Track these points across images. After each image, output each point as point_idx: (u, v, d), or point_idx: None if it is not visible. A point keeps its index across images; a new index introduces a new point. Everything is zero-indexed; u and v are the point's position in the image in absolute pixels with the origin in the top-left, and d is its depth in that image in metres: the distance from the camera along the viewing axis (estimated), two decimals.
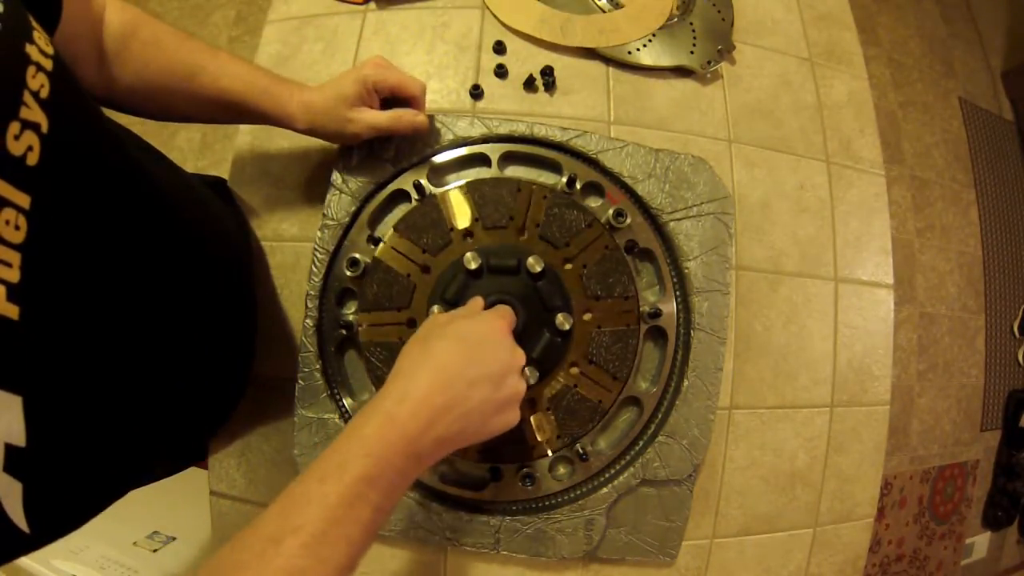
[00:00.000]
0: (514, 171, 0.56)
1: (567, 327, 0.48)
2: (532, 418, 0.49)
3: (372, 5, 0.62)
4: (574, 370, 0.50)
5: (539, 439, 0.49)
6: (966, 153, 1.73)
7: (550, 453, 0.50)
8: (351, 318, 0.51)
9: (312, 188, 0.57)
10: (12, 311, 0.23)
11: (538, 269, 0.48)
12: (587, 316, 0.50)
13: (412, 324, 0.49)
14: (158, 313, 0.36)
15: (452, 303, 0.48)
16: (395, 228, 0.51)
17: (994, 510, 1.63)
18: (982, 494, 1.64)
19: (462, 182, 0.52)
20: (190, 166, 0.51)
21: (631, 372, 0.51)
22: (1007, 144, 1.82)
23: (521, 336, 0.45)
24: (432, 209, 0.51)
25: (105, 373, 0.31)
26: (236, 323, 0.51)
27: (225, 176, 0.59)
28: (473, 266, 0.48)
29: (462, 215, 0.51)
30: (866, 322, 0.62)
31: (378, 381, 0.50)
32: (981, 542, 1.64)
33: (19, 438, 0.24)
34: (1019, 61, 1.87)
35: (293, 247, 0.57)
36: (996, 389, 1.65)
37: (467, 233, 0.50)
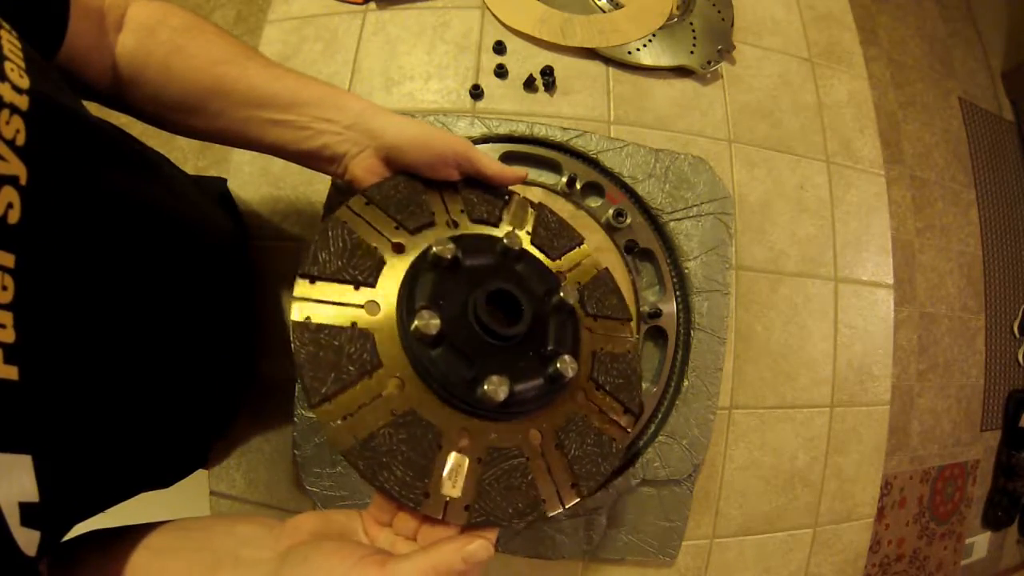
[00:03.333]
0: None
1: (569, 375, 0.34)
2: (452, 456, 0.30)
3: (372, 5, 0.62)
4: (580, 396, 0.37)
5: (443, 491, 0.30)
6: (966, 153, 1.73)
7: (447, 517, 0.29)
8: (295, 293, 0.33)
9: (312, 188, 0.57)
10: (11, 372, 0.23)
11: (569, 300, 0.37)
12: (587, 338, 0.40)
13: (374, 308, 0.33)
14: (158, 334, 0.35)
15: (468, 253, 0.36)
16: (363, 192, 0.37)
17: (994, 510, 1.63)
18: (982, 494, 1.65)
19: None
20: (190, 166, 0.51)
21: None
22: (1007, 144, 1.82)
23: (512, 347, 0.34)
24: (417, 192, 0.39)
25: (111, 410, 0.31)
26: (236, 327, 0.51)
27: (225, 176, 0.59)
28: (511, 246, 0.37)
29: (449, 206, 0.40)
30: (866, 322, 0.62)
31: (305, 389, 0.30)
32: (981, 542, 1.65)
33: (32, 495, 0.24)
34: (1019, 61, 1.87)
35: (293, 247, 0.57)
36: (996, 389, 1.66)
37: (453, 221, 0.39)
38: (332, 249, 0.34)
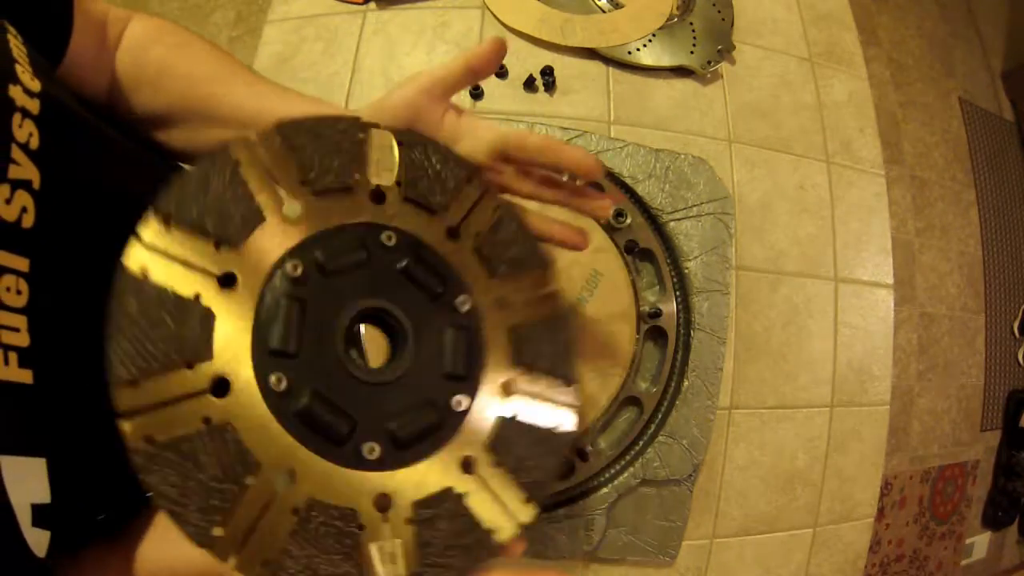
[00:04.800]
0: None
1: (461, 408, 0.28)
2: (373, 547, 0.25)
3: (372, 5, 0.62)
4: (463, 473, 0.27)
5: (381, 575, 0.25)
6: (966, 153, 1.73)
7: None
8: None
9: None
10: (26, 376, 0.23)
11: (466, 308, 0.29)
12: (502, 393, 0.29)
13: (228, 281, 0.24)
14: None
15: (326, 272, 0.27)
16: (279, 128, 0.28)
17: (994, 510, 1.63)
18: (982, 494, 1.65)
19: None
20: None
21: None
22: (1007, 144, 1.82)
23: (389, 388, 0.27)
24: (346, 135, 0.29)
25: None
26: None
27: None
28: (389, 243, 0.28)
29: (383, 166, 0.30)
30: (866, 322, 0.62)
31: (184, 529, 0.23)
32: (981, 542, 1.65)
33: (44, 496, 0.24)
34: (1019, 61, 1.87)
35: None
36: (996, 389, 1.66)
37: (379, 193, 0.29)
38: (202, 190, 0.25)
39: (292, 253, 0.26)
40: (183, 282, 0.24)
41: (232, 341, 0.24)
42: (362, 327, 0.28)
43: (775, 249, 0.60)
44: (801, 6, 0.70)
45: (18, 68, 0.25)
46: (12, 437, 0.22)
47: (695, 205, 0.56)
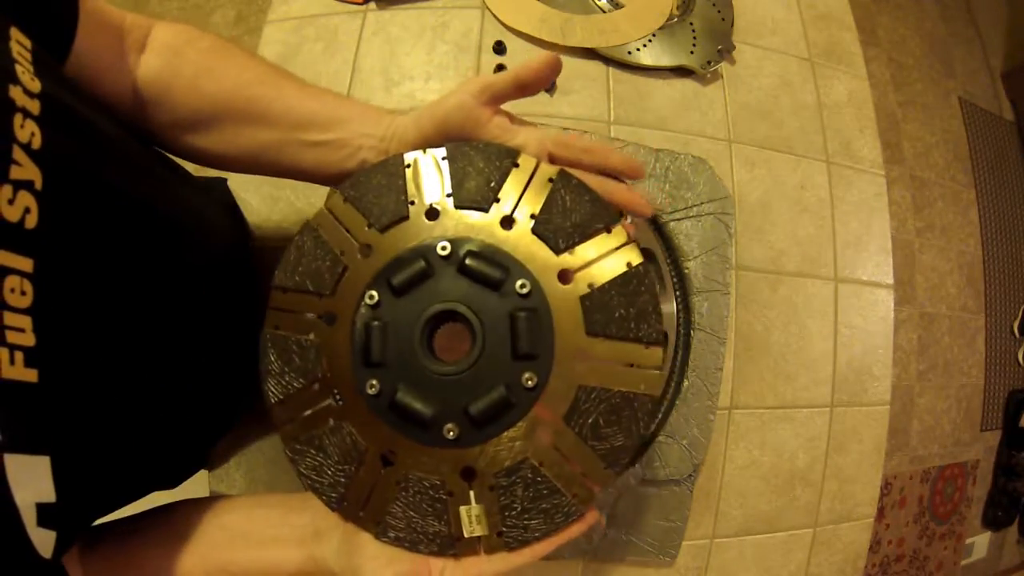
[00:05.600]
0: None
1: (532, 384, 0.31)
2: (462, 509, 0.32)
3: (372, 5, 0.62)
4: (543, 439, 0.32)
5: (466, 534, 0.32)
6: (966, 153, 1.73)
7: (483, 553, 0.33)
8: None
9: (313, 188, 0.57)
10: (31, 375, 0.23)
11: (526, 291, 0.32)
12: (578, 365, 0.32)
13: (331, 320, 0.33)
14: (167, 336, 0.36)
15: (398, 292, 0.33)
16: (341, 189, 0.36)
17: (994, 510, 1.63)
18: (982, 494, 1.65)
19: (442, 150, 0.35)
20: (190, 166, 0.51)
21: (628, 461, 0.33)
22: (1007, 144, 1.82)
23: (463, 377, 0.32)
24: (394, 174, 0.35)
25: (123, 410, 0.31)
26: (240, 327, 0.51)
27: (225, 176, 0.59)
28: (444, 253, 0.33)
29: (431, 185, 0.35)
30: (866, 322, 0.62)
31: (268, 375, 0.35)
32: (981, 542, 1.65)
33: (49, 495, 0.24)
34: (1019, 61, 1.87)
35: None
36: (996, 389, 1.66)
37: (432, 211, 0.34)
38: (299, 256, 0.35)
39: (369, 285, 0.33)
40: (300, 328, 0.34)
41: (337, 360, 0.33)
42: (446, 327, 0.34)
43: (775, 249, 0.60)
44: (801, 6, 0.70)
45: (18, 68, 0.25)
46: (17, 435, 0.23)
47: (695, 205, 0.56)
